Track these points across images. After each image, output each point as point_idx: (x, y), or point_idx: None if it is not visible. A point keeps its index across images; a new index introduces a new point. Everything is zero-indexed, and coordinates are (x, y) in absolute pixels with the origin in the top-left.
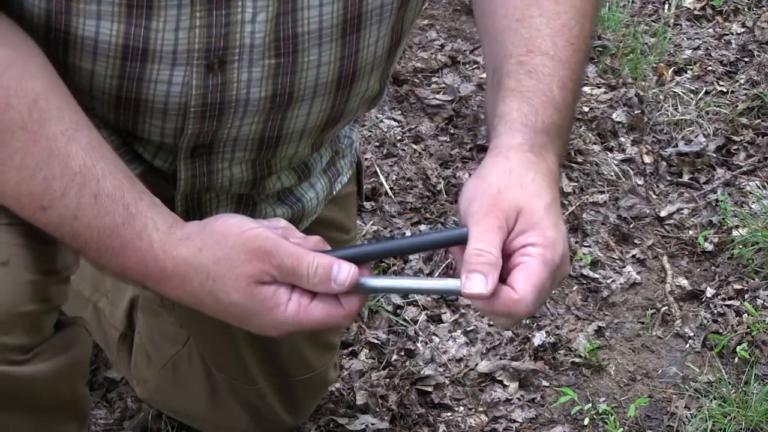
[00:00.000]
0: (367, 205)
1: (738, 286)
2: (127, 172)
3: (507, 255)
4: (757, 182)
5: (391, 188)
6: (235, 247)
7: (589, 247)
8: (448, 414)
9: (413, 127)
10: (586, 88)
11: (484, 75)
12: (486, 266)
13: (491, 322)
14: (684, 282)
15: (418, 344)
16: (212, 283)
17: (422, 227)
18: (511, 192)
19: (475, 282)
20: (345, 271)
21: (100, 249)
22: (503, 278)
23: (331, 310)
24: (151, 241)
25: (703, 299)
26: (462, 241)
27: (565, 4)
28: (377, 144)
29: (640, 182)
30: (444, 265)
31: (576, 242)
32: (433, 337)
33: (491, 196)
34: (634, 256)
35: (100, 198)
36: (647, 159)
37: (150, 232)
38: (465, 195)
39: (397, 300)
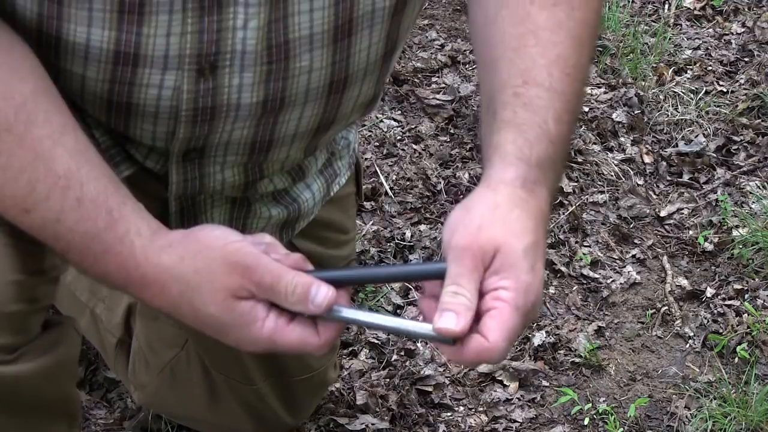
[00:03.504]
0: (367, 205)
1: (738, 286)
2: (113, 177)
3: (480, 294)
4: (757, 182)
5: (391, 188)
6: (216, 260)
7: (589, 247)
8: (448, 414)
9: (413, 127)
10: (586, 88)
11: None
12: (459, 306)
13: None
14: (684, 282)
15: (418, 344)
16: (191, 293)
17: (422, 227)
18: (492, 230)
19: (447, 319)
20: (323, 293)
21: (83, 253)
22: (475, 317)
23: (307, 336)
24: (132, 247)
25: (703, 299)
26: (440, 276)
27: (561, 34)
28: (377, 144)
29: (640, 182)
30: None
31: (576, 242)
32: None
33: (471, 233)
34: (634, 256)
35: (83, 202)
36: (647, 159)
37: (132, 238)
38: (449, 224)
39: (398, 300)
